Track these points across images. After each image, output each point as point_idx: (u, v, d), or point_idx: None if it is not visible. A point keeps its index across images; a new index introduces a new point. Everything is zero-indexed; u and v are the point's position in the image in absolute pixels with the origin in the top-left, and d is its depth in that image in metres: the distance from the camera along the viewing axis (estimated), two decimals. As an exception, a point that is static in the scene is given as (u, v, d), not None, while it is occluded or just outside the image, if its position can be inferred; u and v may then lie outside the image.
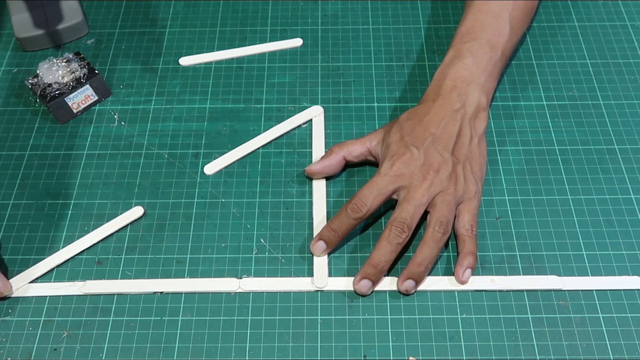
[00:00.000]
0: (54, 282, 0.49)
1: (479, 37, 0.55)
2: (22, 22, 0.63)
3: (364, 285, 0.47)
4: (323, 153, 0.56)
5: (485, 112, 0.53)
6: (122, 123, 0.58)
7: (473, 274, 0.48)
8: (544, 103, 0.59)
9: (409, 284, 0.47)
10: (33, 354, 0.46)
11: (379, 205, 0.49)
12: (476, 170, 0.51)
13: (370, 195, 0.48)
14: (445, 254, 0.50)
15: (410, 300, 0.48)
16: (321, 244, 0.49)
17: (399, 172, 0.49)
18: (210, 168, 0.55)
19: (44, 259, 0.50)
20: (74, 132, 0.58)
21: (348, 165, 0.54)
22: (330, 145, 0.56)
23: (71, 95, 0.57)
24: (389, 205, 0.52)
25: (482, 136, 0.52)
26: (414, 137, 0.50)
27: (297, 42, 0.64)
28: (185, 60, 0.63)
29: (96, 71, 0.59)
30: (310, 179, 0.54)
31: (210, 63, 0.63)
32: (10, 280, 0.49)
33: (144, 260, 0.50)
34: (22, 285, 0.49)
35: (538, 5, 0.64)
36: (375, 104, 0.59)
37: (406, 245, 0.49)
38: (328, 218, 0.52)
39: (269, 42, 0.64)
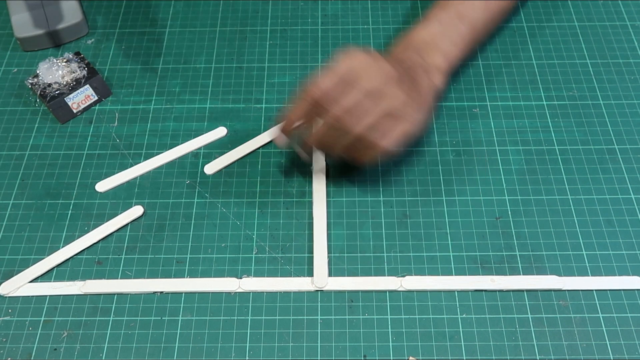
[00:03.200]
0: (54, 281, 0.49)
1: (450, 8, 0.56)
2: (21, 22, 0.63)
3: (280, 137, 0.51)
4: (323, 153, 0.55)
5: (442, 75, 0.53)
6: (115, 124, 0.58)
7: (473, 274, 0.48)
8: (544, 103, 0.59)
9: (302, 154, 0.52)
10: (33, 354, 0.46)
11: (332, 90, 0.47)
12: (421, 105, 0.49)
13: (326, 80, 0.47)
14: (445, 253, 0.50)
15: (410, 300, 0.48)
16: (281, 135, 0.51)
17: (356, 62, 0.47)
18: (210, 168, 0.55)
19: (44, 258, 0.50)
20: (74, 132, 0.58)
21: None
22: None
23: (71, 95, 0.57)
24: (389, 206, 0.52)
25: (434, 91, 0.52)
26: (370, 52, 0.50)
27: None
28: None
29: (96, 71, 0.59)
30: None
31: (210, 66, 0.63)
32: (10, 280, 0.49)
33: (144, 260, 0.50)
34: (22, 285, 0.49)
35: None
36: (375, 104, 0.59)
37: (407, 242, 0.50)
38: (328, 218, 0.52)
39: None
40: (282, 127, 0.50)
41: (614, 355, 0.45)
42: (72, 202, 0.53)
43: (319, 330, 0.46)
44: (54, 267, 0.50)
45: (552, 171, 0.54)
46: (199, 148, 0.56)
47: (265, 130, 0.57)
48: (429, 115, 0.54)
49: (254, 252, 0.50)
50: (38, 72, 0.58)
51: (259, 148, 0.56)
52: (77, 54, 0.59)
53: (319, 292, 0.48)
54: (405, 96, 0.48)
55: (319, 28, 0.66)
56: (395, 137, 0.48)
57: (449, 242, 0.50)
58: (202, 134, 0.57)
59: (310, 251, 0.50)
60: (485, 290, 0.48)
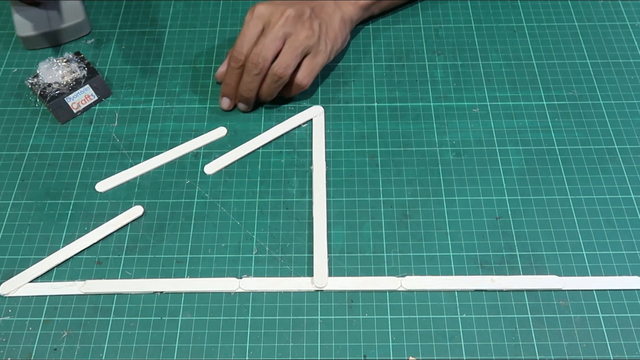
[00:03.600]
0: (54, 281, 0.49)
1: None
2: (23, 21, 0.63)
3: (225, 101, 0.58)
4: (323, 153, 0.56)
5: (352, 6, 0.60)
6: (115, 124, 0.58)
7: (473, 274, 0.48)
8: (544, 103, 0.59)
9: (240, 106, 0.58)
10: (33, 354, 0.46)
11: (251, 48, 0.54)
12: (331, 37, 0.57)
13: (244, 43, 0.54)
14: (445, 253, 0.50)
15: (410, 300, 0.48)
16: (225, 99, 0.58)
17: (260, 13, 0.54)
18: (210, 168, 0.55)
19: (44, 258, 0.50)
20: (74, 132, 0.58)
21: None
22: (330, 145, 0.56)
23: (71, 95, 0.57)
24: (389, 206, 0.52)
25: (347, 21, 0.59)
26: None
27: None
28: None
29: (96, 71, 0.59)
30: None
31: (210, 66, 0.63)
32: (10, 280, 0.49)
33: (144, 260, 0.50)
34: (22, 285, 0.49)
35: None
36: (375, 104, 0.59)
37: (407, 242, 0.50)
38: (328, 218, 0.52)
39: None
40: (227, 94, 0.57)
41: (614, 355, 0.45)
42: (72, 202, 0.53)
43: (319, 330, 0.46)
44: (54, 267, 0.50)
45: (552, 171, 0.54)
46: (199, 148, 0.56)
47: (265, 130, 0.57)
48: (344, 42, 0.60)
49: (254, 252, 0.50)
50: (38, 72, 0.58)
51: (259, 148, 0.56)
52: (77, 54, 0.59)
53: (319, 292, 0.48)
54: (312, 32, 0.54)
55: (319, 28, 0.66)
56: (313, 73, 0.56)
57: (449, 242, 0.50)
58: (202, 134, 0.57)
59: (310, 251, 0.50)
60: (485, 290, 0.48)
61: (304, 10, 0.55)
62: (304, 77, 0.56)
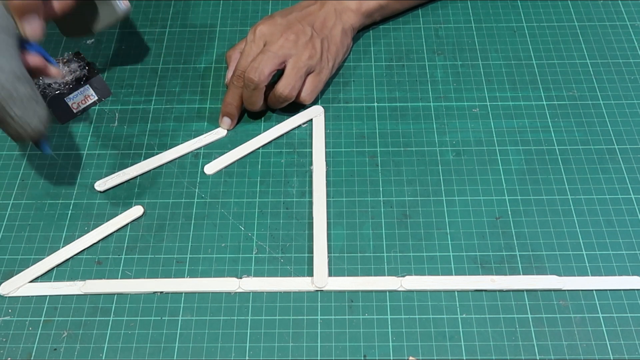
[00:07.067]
0: (54, 281, 0.49)
1: None
2: None
3: (225, 121, 0.57)
4: (323, 153, 0.56)
5: (353, 14, 0.60)
6: (115, 124, 0.58)
7: (473, 274, 0.48)
8: (544, 103, 0.59)
9: (224, 120, 0.57)
10: (33, 354, 0.46)
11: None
12: (332, 52, 0.58)
13: (243, 62, 0.55)
14: (445, 253, 0.50)
15: (410, 300, 0.48)
16: (226, 119, 0.57)
17: (262, 33, 0.56)
18: (210, 168, 0.55)
19: (44, 258, 0.50)
20: (74, 132, 0.58)
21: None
22: (330, 145, 0.56)
23: (71, 95, 0.57)
24: (389, 206, 0.52)
25: (347, 30, 0.60)
26: (281, 13, 0.58)
27: None
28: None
29: (96, 71, 0.59)
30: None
31: (210, 66, 0.63)
32: (10, 280, 0.49)
33: (144, 260, 0.50)
34: (22, 285, 0.49)
35: None
36: (375, 104, 0.59)
37: (407, 242, 0.50)
38: (328, 218, 0.52)
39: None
40: (227, 114, 0.57)
41: (614, 355, 0.45)
42: (72, 202, 0.53)
43: (319, 330, 0.46)
44: (54, 267, 0.50)
45: (552, 171, 0.54)
46: (199, 148, 0.56)
47: (265, 130, 0.57)
48: (346, 53, 0.61)
49: (254, 252, 0.50)
50: (38, 72, 0.58)
51: (259, 148, 0.56)
52: (77, 54, 0.59)
53: (319, 292, 0.48)
54: (314, 51, 0.55)
55: (319, 28, 0.66)
56: (316, 90, 0.57)
57: (449, 242, 0.50)
58: (202, 134, 0.57)
59: (310, 251, 0.50)
60: (485, 290, 0.48)
61: (304, 31, 0.56)
62: (307, 94, 0.57)
